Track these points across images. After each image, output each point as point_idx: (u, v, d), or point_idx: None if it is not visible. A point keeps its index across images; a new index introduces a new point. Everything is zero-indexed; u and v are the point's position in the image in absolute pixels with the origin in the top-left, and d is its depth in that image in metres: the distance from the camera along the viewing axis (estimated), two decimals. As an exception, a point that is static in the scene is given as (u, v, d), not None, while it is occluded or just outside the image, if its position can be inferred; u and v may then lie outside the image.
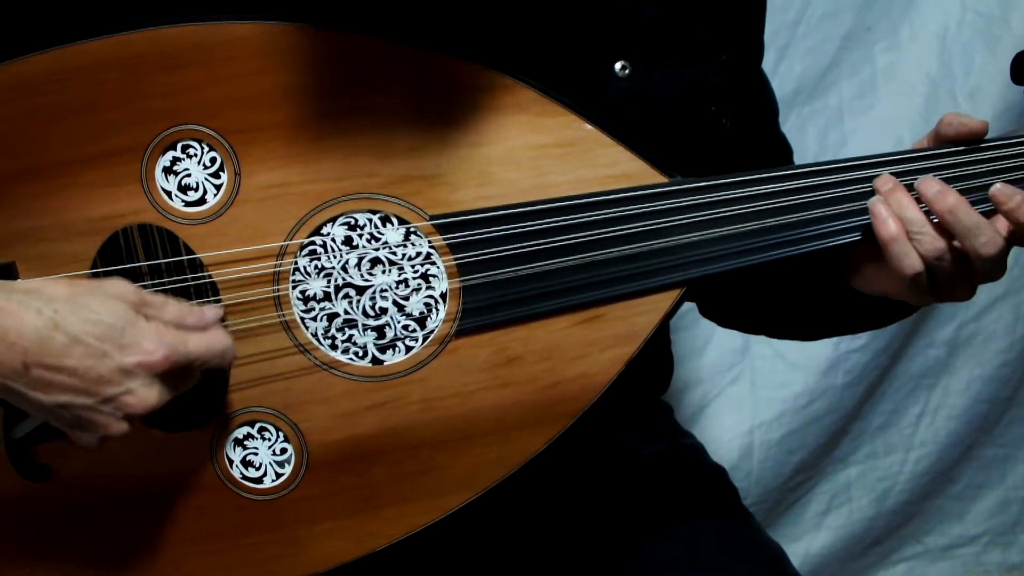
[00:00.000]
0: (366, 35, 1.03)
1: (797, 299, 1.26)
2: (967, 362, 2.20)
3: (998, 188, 1.05)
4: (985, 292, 2.15)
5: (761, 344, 2.11)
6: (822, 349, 2.11)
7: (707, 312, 1.43)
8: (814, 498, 2.26)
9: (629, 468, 1.34)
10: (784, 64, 1.99)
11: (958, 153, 1.09)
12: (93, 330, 0.90)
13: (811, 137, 2.03)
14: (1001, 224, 1.05)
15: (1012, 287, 2.18)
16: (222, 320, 1.00)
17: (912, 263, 1.04)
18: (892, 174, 1.07)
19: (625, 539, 1.27)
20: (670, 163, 1.08)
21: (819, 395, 2.15)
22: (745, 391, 2.14)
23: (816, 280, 1.20)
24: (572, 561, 1.27)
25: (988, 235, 1.03)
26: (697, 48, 1.20)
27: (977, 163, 1.08)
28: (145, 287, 1.01)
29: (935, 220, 1.05)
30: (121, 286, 0.94)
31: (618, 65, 1.16)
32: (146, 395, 0.93)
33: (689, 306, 2.03)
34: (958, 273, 1.05)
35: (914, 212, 1.04)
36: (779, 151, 1.38)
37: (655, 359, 1.37)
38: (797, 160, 1.42)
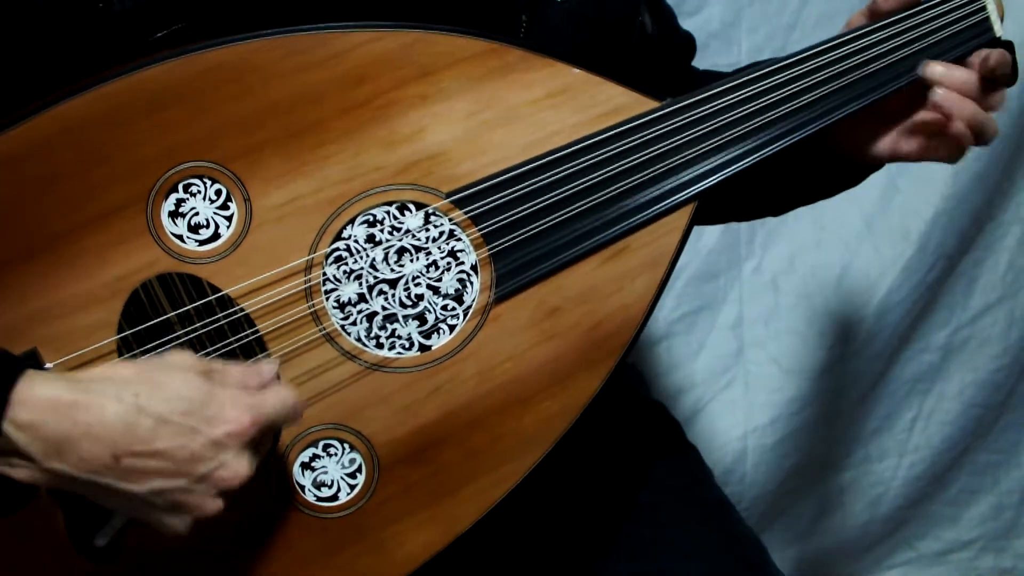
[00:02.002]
0: (344, 30, 0.95)
1: (777, 178, 1.25)
2: (961, 367, 2.17)
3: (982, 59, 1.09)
4: (979, 297, 2.15)
5: (755, 349, 2.07)
6: (816, 354, 2.07)
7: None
8: (808, 503, 2.20)
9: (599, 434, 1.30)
10: None
11: (901, 20, 1.10)
12: (177, 407, 0.83)
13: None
14: None
15: (1006, 293, 2.16)
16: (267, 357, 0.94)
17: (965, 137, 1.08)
18: (860, 50, 1.09)
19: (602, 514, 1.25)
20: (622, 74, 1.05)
21: (813, 400, 2.10)
22: (739, 396, 2.08)
23: (800, 158, 1.17)
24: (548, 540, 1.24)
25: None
26: None
27: (926, 23, 1.10)
28: (179, 337, 0.92)
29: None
30: (184, 357, 0.87)
31: None
32: (238, 466, 0.85)
33: (684, 310, 2.01)
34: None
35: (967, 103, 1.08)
36: (686, 46, 1.37)
37: None
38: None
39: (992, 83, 1.08)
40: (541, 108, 1.00)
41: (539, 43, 1.05)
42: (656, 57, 1.24)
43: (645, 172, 1.02)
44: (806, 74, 1.06)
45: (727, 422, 2.08)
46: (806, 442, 2.12)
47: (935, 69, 1.07)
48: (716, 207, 1.36)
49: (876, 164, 1.17)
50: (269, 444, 0.91)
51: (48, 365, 0.90)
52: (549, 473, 1.13)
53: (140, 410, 0.81)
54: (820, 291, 2.07)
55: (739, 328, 2.05)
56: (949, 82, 1.07)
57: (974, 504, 2.27)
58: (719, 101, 1.04)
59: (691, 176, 1.04)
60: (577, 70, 1.01)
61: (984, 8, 1.10)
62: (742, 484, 2.09)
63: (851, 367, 2.10)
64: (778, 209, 1.35)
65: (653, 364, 2.03)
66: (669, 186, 1.03)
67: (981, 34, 1.10)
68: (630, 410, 1.35)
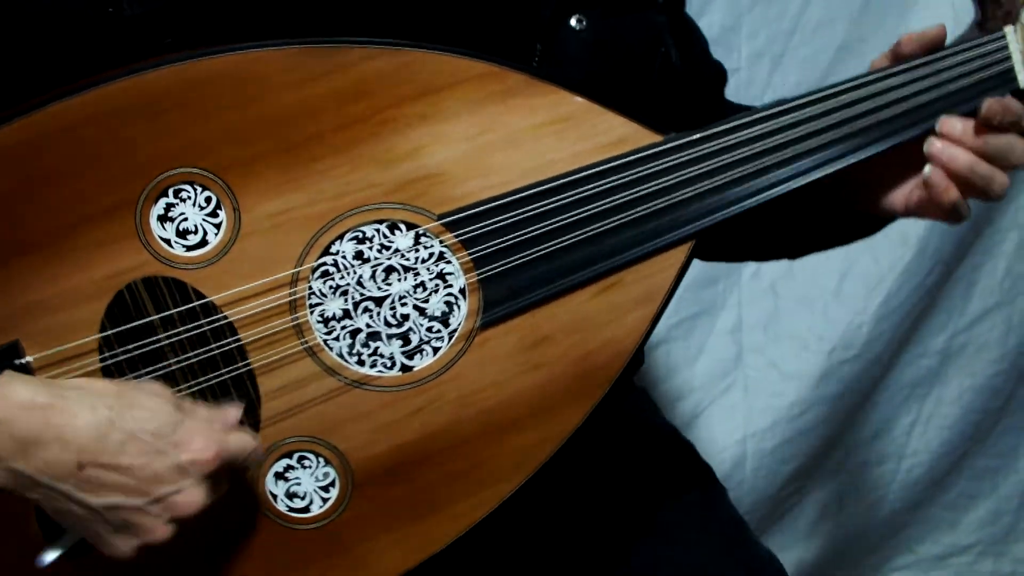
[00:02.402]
0: (343, 45, 0.93)
1: (794, 223, 1.22)
2: (959, 372, 2.15)
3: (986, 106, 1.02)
4: (977, 302, 2.13)
5: (754, 354, 2.05)
6: (815, 359, 2.06)
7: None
8: (807, 507, 2.18)
9: (612, 457, 1.29)
10: (779, 74, 1.93)
11: (922, 66, 1.05)
12: (148, 426, 0.83)
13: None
14: None
15: (1004, 298, 2.14)
16: (247, 367, 0.94)
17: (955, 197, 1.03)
18: (874, 94, 1.04)
19: (617, 532, 1.22)
20: (636, 108, 1.02)
21: (812, 405, 2.08)
22: (738, 400, 2.06)
23: (816, 203, 1.14)
24: (564, 552, 1.22)
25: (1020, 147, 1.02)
26: None
27: (947, 70, 1.05)
28: (160, 341, 0.92)
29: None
30: (160, 386, 0.88)
31: (573, 19, 1.11)
32: (195, 495, 0.85)
33: (683, 315, 2.00)
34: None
35: (966, 157, 1.02)
36: (716, 78, 1.34)
37: None
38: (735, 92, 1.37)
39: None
40: (541, 135, 0.98)
41: (549, 70, 1.03)
42: (682, 88, 1.21)
43: (643, 207, 1.00)
44: (815, 117, 1.02)
45: (726, 426, 2.06)
46: (805, 446, 2.10)
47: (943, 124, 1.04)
48: (729, 247, 1.33)
49: (888, 216, 1.13)
50: (226, 485, 0.90)
51: (29, 358, 0.89)
52: (564, 496, 1.12)
53: (112, 423, 0.81)
54: (819, 296, 2.06)
55: (738, 333, 2.04)
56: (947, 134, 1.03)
57: (973, 509, 2.26)
58: (723, 139, 1.00)
59: (689, 214, 1.01)
60: (580, 98, 0.98)
61: (1009, 58, 1.06)
62: (741, 488, 2.08)
63: (850, 372, 2.08)
64: (794, 253, 1.32)
65: (652, 369, 2.02)
66: (667, 222, 1.00)
67: (1004, 84, 1.05)
68: (643, 434, 1.33)
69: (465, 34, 1.00)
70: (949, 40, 1.07)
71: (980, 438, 2.20)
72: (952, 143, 1.02)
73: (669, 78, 1.19)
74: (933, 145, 1.02)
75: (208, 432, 0.86)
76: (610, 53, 1.12)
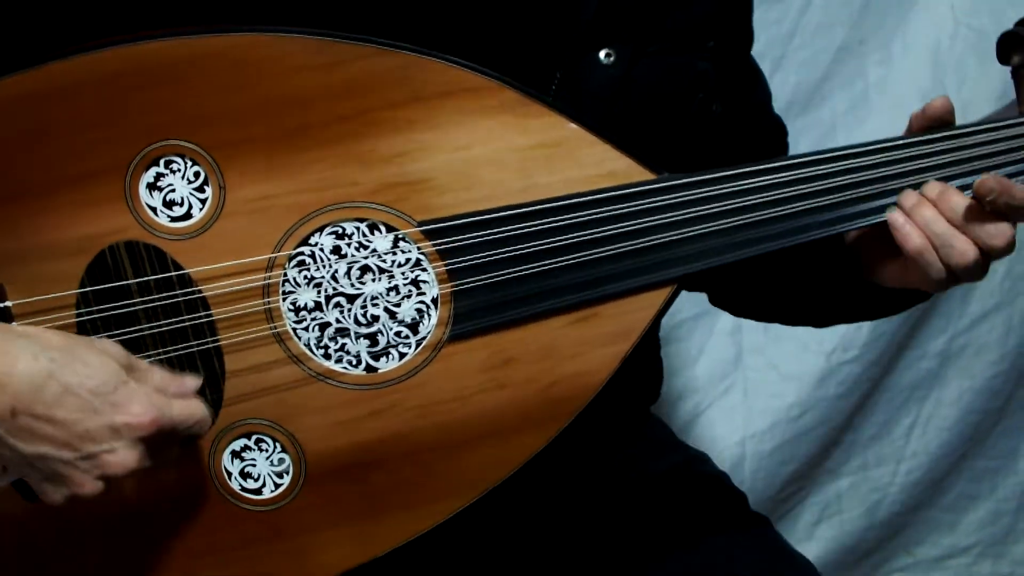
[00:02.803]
0: (342, 41, 0.94)
1: (810, 289, 1.19)
2: (958, 374, 2.11)
3: (979, 182, 0.96)
4: (977, 304, 2.10)
5: (754, 355, 2.03)
6: (814, 361, 2.03)
7: (717, 302, 1.35)
8: (806, 509, 2.16)
9: (643, 484, 1.26)
10: (778, 76, 1.90)
11: (937, 140, 1.02)
12: (87, 383, 0.83)
13: (804, 149, 1.90)
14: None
15: (1004, 299, 2.09)
16: (216, 343, 0.95)
17: (938, 270, 0.99)
18: (875, 165, 1.00)
19: (645, 554, 1.18)
20: (660, 152, 1.01)
21: (811, 406, 2.05)
22: (737, 402, 2.04)
23: (830, 271, 1.12)
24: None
25: (1005, 234, 0.97)
26: (682, 35, 1.13)
27: (959, 149, 1.02)
28: (135, 305, 0.93)
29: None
30: (113, 346, 0.88)
31: (602, 53, 1.09)
32: (126, 457, 0.85)
33: (683, 316, 1.96)
34: (978, 265, 0.99)
35: (942, 226, 0.98)
36: (773, 133, 1.31)
37: (646, 366, 1.27)
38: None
39: (998, 214, 0.97)
40: (530, 156, 0.97)
41: (565, 102, 1.02)
42: (722, 139, 1.18)
43: (625, 243, 0.98)
44: (816, 177, 0.99)
45: (726, 428, 2.03)
46: (804, 448, 2.07)
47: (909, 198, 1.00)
48: (753, 307, 1.30)
49: (908, 292, 1.08)
50: (171, 451, 0.91)
51: (9, 303, 0.92)
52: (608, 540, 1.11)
53: (51, 374, 0.82)
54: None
55: (738, 334, 2.00)
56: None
57: (972, 510, 2.21)
58: (717, 187, 0.98)
59: (674, 257, 0.98)
60: (574, 125, 0.97)
61: None
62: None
63: (849, 373, 2.03)
64: (823, 321, 1.27)
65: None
66: (650, 262, 0.98)
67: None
68: (691, 484, 1.29)
69: (486, 50, 1.00)
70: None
71: (979, 440, 2.16)
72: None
73: (706, 127, 1.16)
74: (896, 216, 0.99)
75: (149, 397, 0.86)
76: (639, 93, 1.10)
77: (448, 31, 1.01)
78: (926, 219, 0.98)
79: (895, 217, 0.99)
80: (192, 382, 0.92)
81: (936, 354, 2.08)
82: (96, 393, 0.83)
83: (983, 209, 0.96)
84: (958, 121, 1.83)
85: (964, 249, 0.97)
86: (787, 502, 2.12)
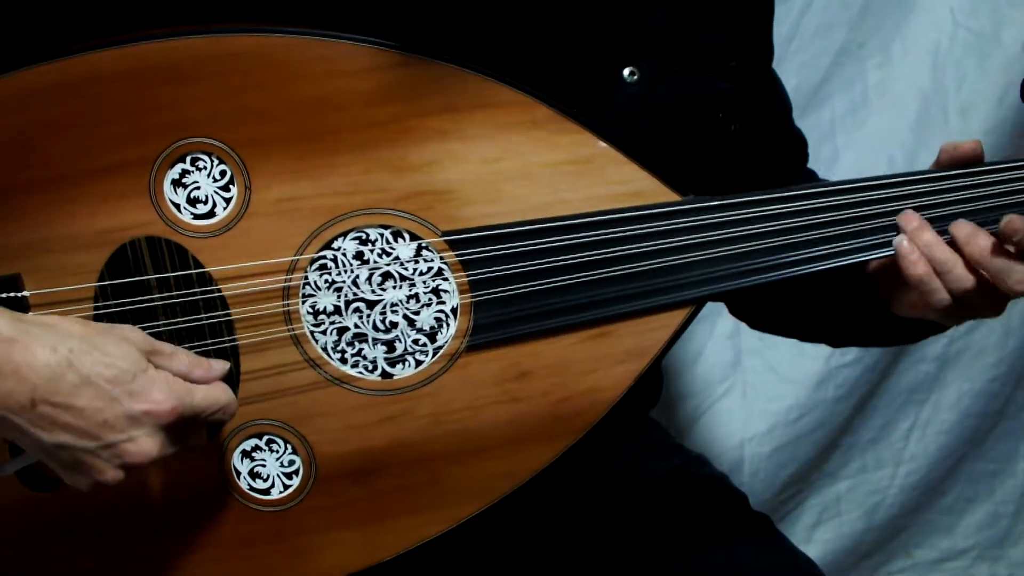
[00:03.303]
0: (376, 46, 0.92)
1: (830, 313, 1.18)
2: (957, 377, 2.09)
3: (1007, 221, 0.95)
4: None
5: (753, 358, 2.01)
6: (813, 363, 2.01)
7: (737, 314, 1.35)
8: (804, 512, 2.14)
9: (644, 487, 1.25)
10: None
11: (960, 176, 1.00)
12: (106, 373, 0.82)
13: (804, 150, 1.91)
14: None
15: None
16: (232, 343, 0.93)
17: (942, 298, 0.97)
18: (898, 197, 0.99)
19: (648, 557, 1.18)
20: (678, 169, 1.00)
21: (810, 409, 2.03)
22: (736, 404, 2.02)
23: (849, 297, 1.11)
24: None
25: (1020, 273, 0.95)
26: (705, 54, 1.11)
27: (981, 186, 1.00)
28: (153, 301, 0.91)
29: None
30: (134, 333, 0.86)
31: (627, 71, 1.07)
32: (147, 445, 0.84)
33: None
34: (988, 297, 0.98)
35: (943, 252, 0.97)
36: (794, 148, 1.29)
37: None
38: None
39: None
40: (559, 172, 0.96)
41: (585, 116, 1.00)
42: (740, 157, 1.17)
43: (647, 262, 0.97)
44: (842, 206, 0.98)
45: (724, 430, 2.01)
46: (803, 451, 2.05)
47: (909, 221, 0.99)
48: (771, 322, 1.29)
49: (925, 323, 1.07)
50: (197, 438, 0.90)
51: (26, 292, 0.90)
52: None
53: (70, 364, 0.80)
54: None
55: (737, 337, 1.98)
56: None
57: (970, 513, 2.19)
58: (743, 211, 0.97)
59: (694, 279, 0.98)
60: (603, 144, 0.96)
61: None
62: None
63: (848, 376, 2.01)
64: (835, 342, 1.28)
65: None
66: (670, 283, 0.98)
67: None
68: (692, 485, 1.28)
69: (513, 63, 0.98)
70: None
71: (978, 443, 2.14)
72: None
73: (723, 146, 1.15)
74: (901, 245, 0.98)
75: (170, 384, 0.85)
76: (659, 111, 1.08)
77: (477, 43, 0.99)
78: (927, 243, 0.97)
79: (898, 242, 0.98)
80: (219, 366, 0.90)
81: (935, 358, 2.06)
82: (115, 382, 0.82)
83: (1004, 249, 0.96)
84: (957, 125, 1.87)
85: (962, 275, 0.96)
86: (786, 504, 2.11)
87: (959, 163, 1.00)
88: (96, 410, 0.81)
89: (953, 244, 0.97)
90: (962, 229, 0.97)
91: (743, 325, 1.42)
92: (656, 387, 1.31)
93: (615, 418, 1.04)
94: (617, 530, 1.19)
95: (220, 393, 0.89)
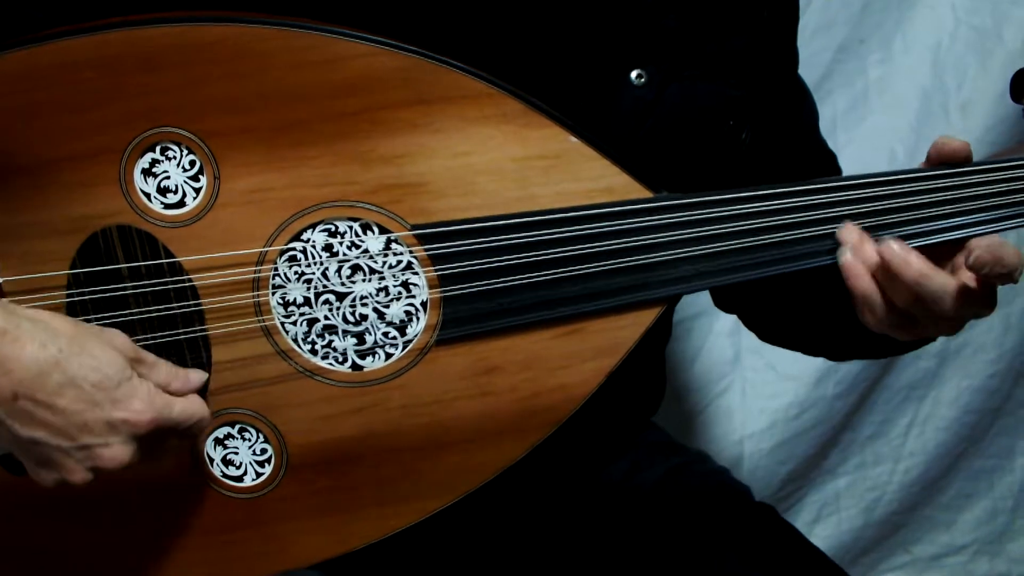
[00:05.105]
0: (348, 38, 0.88)
1: (826, 327, 1.13)
2: (956, 373, 2.03)
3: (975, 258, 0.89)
4: None
5: (752, 355, 1.96)
6: (813, 360, 1.93)
7: (749, 325, 1.29)
8: (804, 508, 2.09)
9: (645, 487, 1.20)
10: None
11: (946, 176, 0.94)
12: (91, 376, 0.80)
13: (804, 147, 1.85)
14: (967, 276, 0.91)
15: (1002, 299, 1.95)
16: (203, 333, 0.90)
17: (881, 308, 0.91)
18: (880, 196, 0.92)
19: (655, 553, 1.13)
20: (687, 176, 0.96)
21: (809, 406, 1.97)
22: (736, 401, 1.96)
23: (843, 311, 1.03)
24: None
25: (949, 303, 0.90)
26: (717, 61, 1.05)
27: (965, 187, 0.94)
28: (125, 289, 0.88)
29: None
30: (121, 339, 0.84)
31: (634, 73, 1.01)
32: (121, 452, 0.82)
33: (681, 316, 1.91)
34: (938, 317, 0.92)
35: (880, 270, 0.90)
36: (820, 159, 1.22)
37: (647, 380, 1.21)
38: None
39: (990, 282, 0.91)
40: (529, 167, 0.91)
41: (592, 119, 0.95)
42: (750, 167, 1.10)
43: (619, 260, 0.92)
44: (813, 207, 0.92)
45: (724, 427, 1.96)
46: (802, 447, 2.00)
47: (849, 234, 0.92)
48: (777, 337, 1.25)
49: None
50: (171, 447, 0.87)
51: (0, 279, 0.87)
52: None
53: (57, 364, 0.78)
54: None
55: (736, 334, 1.92)
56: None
57: (969, 509, 2.14)
58: (715, 209, 0.92)
59: (665, 277, 0.93)
60: (574, 139, 0.91)
61: None
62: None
63: (847, 373, 1.96)
64: (836, 355, 1.24)
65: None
66: (640, 281, 0.93)
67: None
68: (694, 481, 1.23)
69: (519, 63, 0.94)
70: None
71: (976, 439, 2.09)
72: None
73: (733, 154, 1.09)
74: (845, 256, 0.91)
75: (151, 396, 0.83)
76: (668, 115, 1.03)
77: (483, 39, 0.95)
78: (869, 257, 0.90)
79: (843, 259, 0.92)
80: (196, 377, 0.88)
81: (934, 354, 2.01)
82: (99, 387, 0.80)
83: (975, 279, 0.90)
84: (958, 122, 1.81)
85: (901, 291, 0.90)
86: (785, 501, 2.06)
87: (944, 161, 0.93)
88: (76, 412, 0.79)
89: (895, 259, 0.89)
90: (893, 252, 0.89)
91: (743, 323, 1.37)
92: (658, 395, 1.26)
93: (610, 419, 1.00)
94: (617, 530, 1.15)
95: (196, 407, 0.86)
